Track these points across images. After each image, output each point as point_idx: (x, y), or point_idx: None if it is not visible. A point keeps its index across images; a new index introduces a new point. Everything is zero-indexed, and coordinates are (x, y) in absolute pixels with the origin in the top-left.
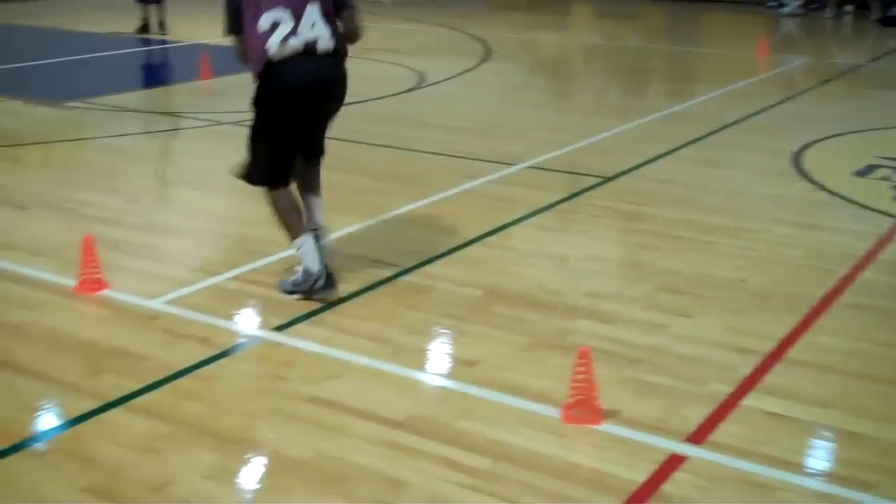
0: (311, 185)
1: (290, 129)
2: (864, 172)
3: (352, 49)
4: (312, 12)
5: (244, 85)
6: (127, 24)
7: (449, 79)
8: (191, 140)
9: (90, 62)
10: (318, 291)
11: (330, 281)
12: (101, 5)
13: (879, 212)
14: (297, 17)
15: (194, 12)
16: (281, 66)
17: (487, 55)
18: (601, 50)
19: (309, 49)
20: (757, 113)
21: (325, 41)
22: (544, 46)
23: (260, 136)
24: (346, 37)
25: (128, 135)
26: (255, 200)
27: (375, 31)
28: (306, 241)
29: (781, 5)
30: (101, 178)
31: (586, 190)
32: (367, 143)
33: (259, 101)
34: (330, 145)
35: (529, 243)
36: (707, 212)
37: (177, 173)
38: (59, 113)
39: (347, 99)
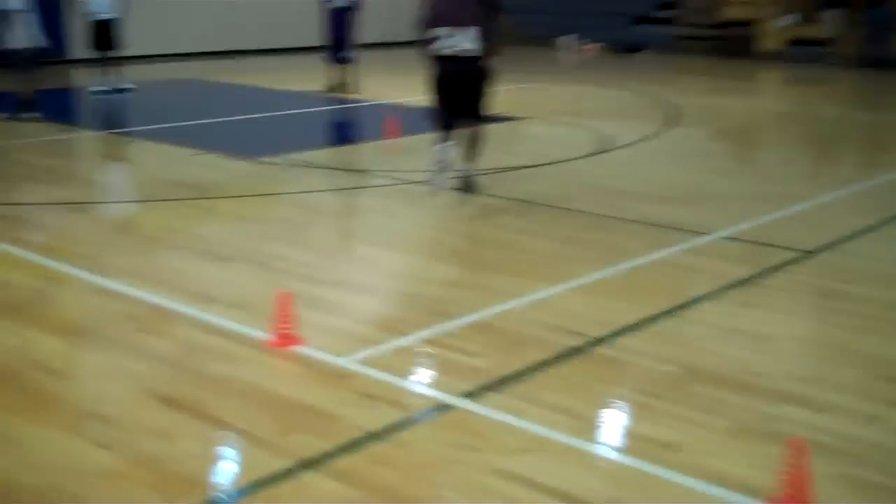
0: (469, 145)
1: (442, 92)
2: None
3: (538, 111)
4: (469, 28)
5: (431, 144)
6: (316, 82)
7: (635, 143)
8: (379, 198)
9: (283, 119)
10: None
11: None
12: (294, 65)
13: None
14: (457, 28)
15: (383, 73)
16: (442, 60)
17: (674, 120)
18: (790, 117)
19: (457, 53)
20: None
21: (469, 45)
22: (731, 112)
23: (430, 81)
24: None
25: (318, 191)
26: (443, 261)
27: (561, 93)
28: (441, 147)
29: None
30: (293, 233)
31: (785, 264)
32: (554, 206)
33: (430, 68)
34: (517, 207)
35: (726, 319)
36: None
37: (366, 230)
38: (253, 168)
39: (536, 161)
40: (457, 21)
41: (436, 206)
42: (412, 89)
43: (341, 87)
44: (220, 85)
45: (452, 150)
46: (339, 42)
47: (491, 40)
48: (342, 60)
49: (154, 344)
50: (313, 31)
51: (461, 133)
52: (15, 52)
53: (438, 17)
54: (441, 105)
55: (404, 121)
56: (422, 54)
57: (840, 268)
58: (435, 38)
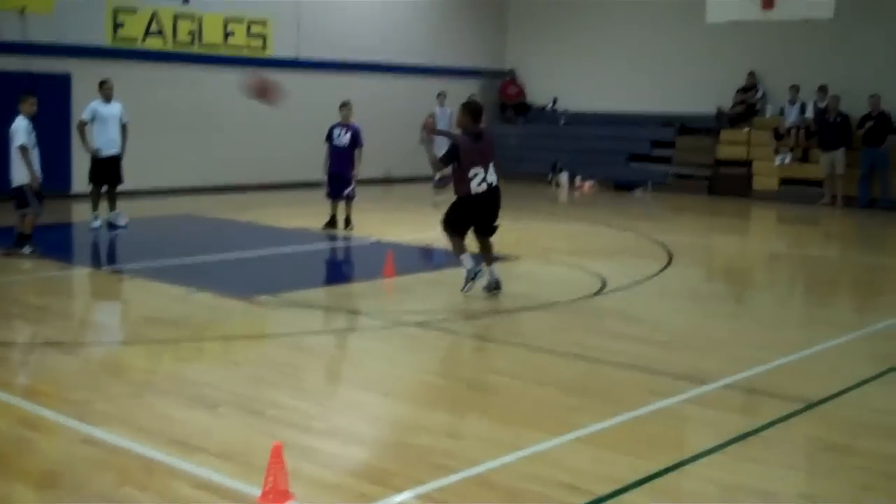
0: (486, 253)
1: (468, 217)
2: None
3: (533, 250)
4: (491, 166)
5: (429, 284)
6: (314, 218)
7: (633, 284)
8: (375, 339)
9: (279, 257)
10: (474, 279)
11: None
12: (291, 200)
13: None
14: (486, 168)
15: (378, 209)
16: (476, 195)
17: (671, 260)
18: (786, 258)
19: (489, 186)
20: None
21: (494, 179)
22: (727, 252)
23: (455, 211)
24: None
25: (313, 332)
26: (440, 409)
27: (556, 231)
28: (463, 256)
29: None
30: (286, 377)
31: (787, 416)
32: (553, 352)
33: (459, 201)
34: (515, 352)
35: (729, 475)
36: None
37: (361, 375)
38: (247, 307)
39: (532, 303)
40: (486, 161)
41: (432, 348)
42: (410, 227)
43: (340, 223)
44: (216, 221)
45: (472, 259)
46: (339, 179)
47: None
48: (342, 197)
49: (138, 499)
50: (311, 167)
51: (480, 244)
52: (18, 188)
53: (474, 160)
54: (463, 225)
55: (401, 259)
56: (449, 188)
57: (843, 420)
58: (474, 176)
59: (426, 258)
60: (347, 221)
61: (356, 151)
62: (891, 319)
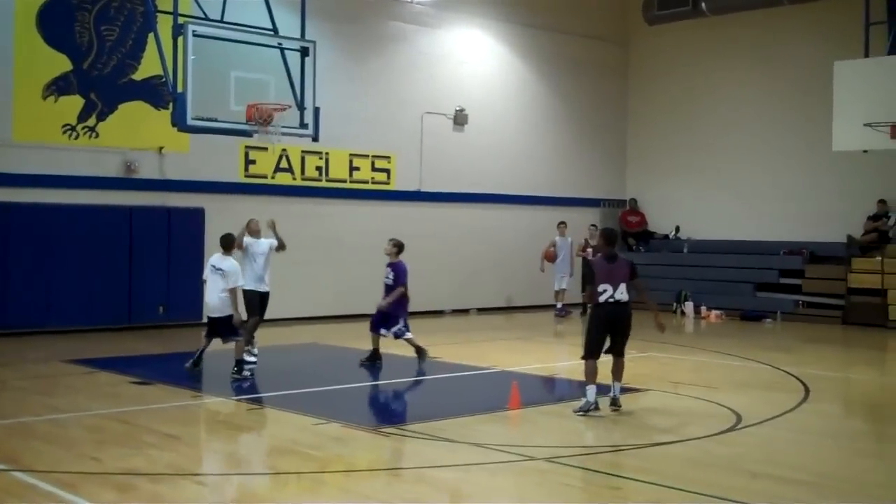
0: (616, 372)
1: (602, 332)
2: None
3: (662, 383)
4: (621, 285)
5: (555, 417)
6: (440, 348)
7: (769, 420)
8: (503, 475)
9: (403, 386)
10: (587, 412)
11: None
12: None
13: None
14: (615, 287)
15: (500, 338)
16: (604, 304)
17: (806, 394)
18: None
19: (617, 301)
20: None
21: (623, 297)
22: (867, 386)
23: (589, 327)
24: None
25: (441, 466)
26: None
27: (684, 363)
28: (590, 387)
29: None
30: None
31: None
32: (686, 491)
33: (591, 316)
34: (650, 491)
35: None
36: None
37: None
38: (372, 438)
39: (663, 438)
40: (615, 281)
41: (562, 485)
42: (533, 356)
43: (374, 357)
44: (342, 349)
45: (594, 392)
46: (382, 315)
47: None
48: (390, 334)
49: None
50: (436, 296)
51: (612, 364)
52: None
53: (603, 279)
54: (597, 343)
55: (526, 390)
56: (589, 304)
57: None
58: (603, 292)
59: (551, 389)
60: (420, 351)
61: (398, 289)
62: None
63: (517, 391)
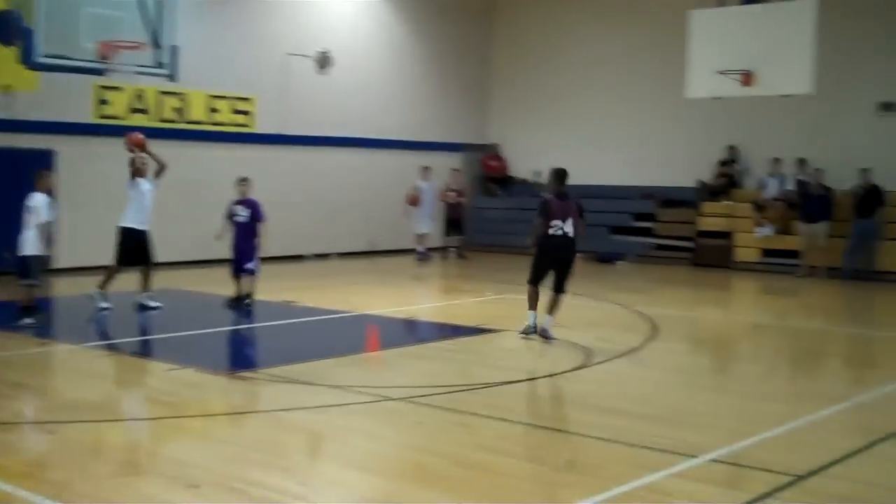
0: (552, 306)
1: (546, 262)
2: None
3: (517, 323)
4: (569, 221)
5: (413, 358)
6: (300, 293)
7: (617, 357)
8: (359, 416)
9: (260, 332)
10: (528, 335)
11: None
12: (277, 273)
13: None
14: (564, 222)
15: (361, 283)
16: (550, 236)
17: (654, 333)
18: (769, 329)
19: (564, 234)
20: None
21: (571, 231)
22: (710, 324)
23: (535, 260)
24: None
25: (297, 409)
26: (427, 487)
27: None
28: (530, 312)
29: None
30: (269, 456)
31: (775, 490)
32: (537, 426)
33: (537, 249)
34: (500, 427)
35: None
36: None
37: (347, 453)
38: (230, 383)
39: (516, 377)
40: (565, 216)
41: (417, 424)
42: (394, 300)
43: (242, 299)
44: (199, 295)
45: (533, 317)
46: (241, 255)
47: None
48: (243, 273)
49: None
50: (300, 240)
51: (548, 298)
52: (26, 257)
53: (556, 215)
54: (539, 274)
55: (385, 333)
56: (534, 238)
57: (832, 494)
58: (552, 226)
59: (410, 331)
60: (248, 297)
61: (258, 226)
62: (876, 391)
63: (376, 334)
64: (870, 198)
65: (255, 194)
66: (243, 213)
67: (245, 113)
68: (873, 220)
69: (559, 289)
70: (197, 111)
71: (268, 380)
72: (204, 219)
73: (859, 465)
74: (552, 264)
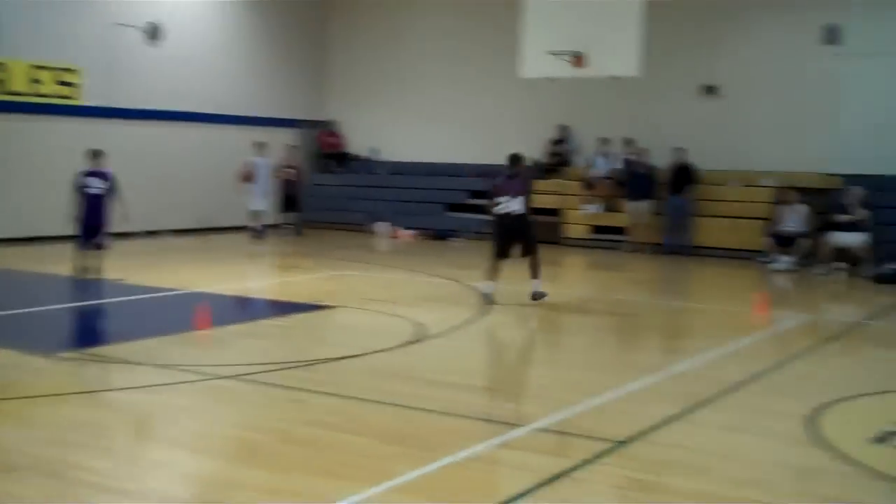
0: (531, 269)
1: (501, 238)
2: (882, 440)
3: (352, 300)
4: (518, 199)
5: (243, 336)
6: (126, 271)
7: (450, 331)
8: (187, 395)
9: (83, 311)
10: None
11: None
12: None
13: None
14: (510, 199)
15: (192, 260)
16: (497, 215)
17: (483, 306)
18: (598, 303)
19: (509, 211)
20: (763, 373)
21: (516, 207)
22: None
23: (493, 237)
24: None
25: (121, 389)
26: (253, 465)
27: (374, 280)
28: (487, 283)
29: (772, 260)
30: (91, 437)
31: (598, 456)
32: (368, 400)
33: (493, 226)
34: (331, 403)
35: None
36: (729, 483)
37: (173, 433)
38: (50, 364)
39: (349, 353)
40: (509, 193)
41: (247, 402)
42: (226, 277)
43: (90, 271)
44: (14, 273)
45: (489, 287)
46: (91, 228)
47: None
48: (95, 246)
49: None
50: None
51: (526, 262)
52: None
53: (500, 192)
54: (498, 248)
55: (216, 311)
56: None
57: (651, 458)
58: (498, 203)
59: (242, 309)
60: (98, 270)
61: (111, 198)
62: (692, 359)
63: (207, 311)
64: (681, 176)
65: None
66: (98, 185)
67: (70, 84)
68: (685, 198)
69: (526, 253)
70: (18, 82)
71: (92, 360)
72: (27, 194)
73: (676, 430)
74: (507, 238)
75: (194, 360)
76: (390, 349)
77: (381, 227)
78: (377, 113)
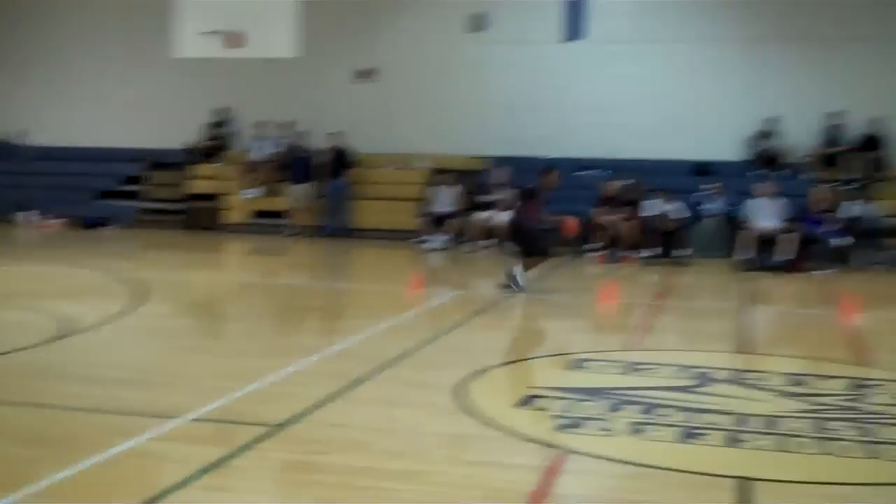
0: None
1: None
2: (524, 403)
3: None
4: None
5: None
6: None
7: (100, 325)
8: None
9: None
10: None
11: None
12: None
13: (545, 444)
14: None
15: None
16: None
17: (141, 297)
18: (256, 288)
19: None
20: (418, 348)
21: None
22: (199, 286)
23: None
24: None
25: None
26: None
27: (17, 274)
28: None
29: (426, 240)
30: None
31: (255, 441)
32: (6, 403)
33: None
34: None
35: None
36: (385, 456)
37: None
38: None
39: None
40: None
41: None
42: None
43: None
44: None
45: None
46: None
47: None
48: None
49: None
50: None
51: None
52: None
53: None
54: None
55: None
56: None
57: (309, 439)
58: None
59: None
60: None
61: None
62: (352, 338)
63: None
64: (337, 160)
65: None
66: None
67: None
68: (342, 181)
69: (525, 255)
70: None
71: None
72: None
73: (335, 409)
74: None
75: None
76: (34, 346)
77: (26, 216)
78: (22, 93)
